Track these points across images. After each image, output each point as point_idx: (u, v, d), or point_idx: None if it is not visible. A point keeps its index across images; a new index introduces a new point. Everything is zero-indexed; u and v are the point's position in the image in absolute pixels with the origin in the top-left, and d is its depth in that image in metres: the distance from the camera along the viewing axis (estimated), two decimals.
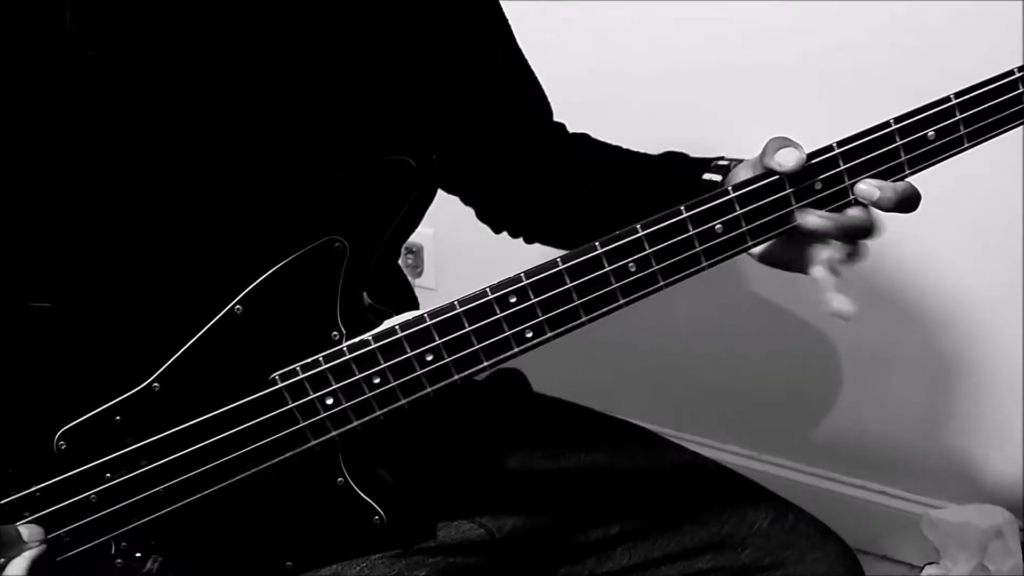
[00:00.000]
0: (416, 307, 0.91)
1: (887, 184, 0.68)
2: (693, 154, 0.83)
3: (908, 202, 0.69)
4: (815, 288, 0.72)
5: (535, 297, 0.69)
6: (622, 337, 1.59)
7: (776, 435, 1.70)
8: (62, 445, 0.72)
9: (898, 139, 0.65)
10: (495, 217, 0.98)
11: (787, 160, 0.66)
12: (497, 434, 0.95)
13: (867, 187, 0.68)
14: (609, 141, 0.95)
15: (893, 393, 1.57)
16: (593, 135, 0.95)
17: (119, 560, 0.75)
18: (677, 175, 0.82)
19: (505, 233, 0.99)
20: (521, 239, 0.99)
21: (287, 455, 0.73)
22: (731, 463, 1.31)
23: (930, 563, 1.55)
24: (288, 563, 0.77)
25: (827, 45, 1.35)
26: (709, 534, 0.90)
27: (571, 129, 0.96)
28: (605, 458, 0.95)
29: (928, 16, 1.28)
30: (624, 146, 0.93)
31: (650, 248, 0.68)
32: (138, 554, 0.76)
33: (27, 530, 0.72)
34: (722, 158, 0.80)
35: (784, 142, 0.68)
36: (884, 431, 1.61)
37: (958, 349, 1.49)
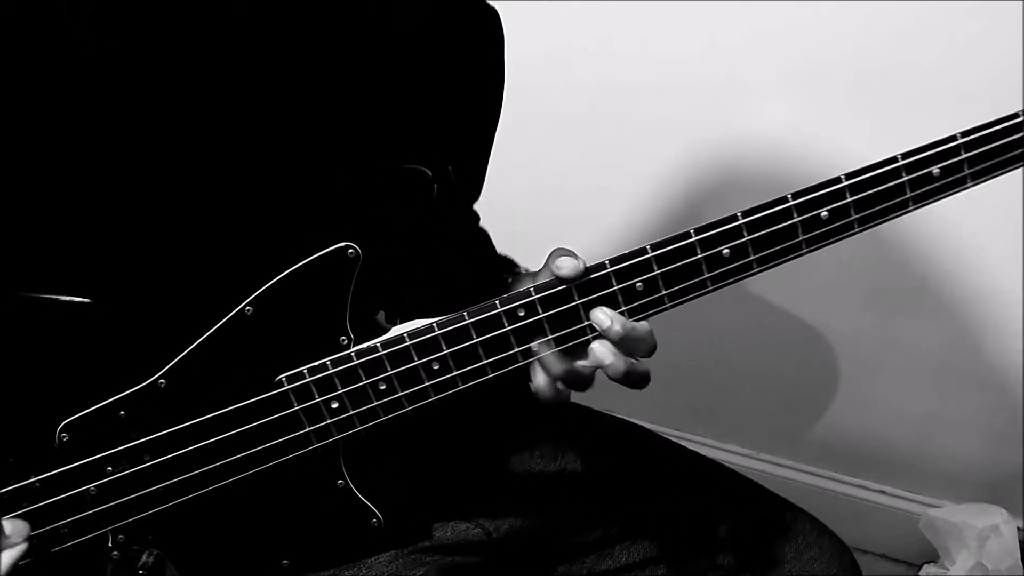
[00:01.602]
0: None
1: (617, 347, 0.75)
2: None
3: (633, 378, 0.79)
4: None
5: (543, 312, 0.75)
6: None
7: (776, 434, 1.78)
8: (64, 437, 0.76)
9: (904, 175, 0.71)
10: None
11: (564, 265, 0.74)
12: (495, 434, 1.00)
13: (602, 316, 0.75)
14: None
15: (892, 392, 1.65)
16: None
17: (115, 552, 0.80)
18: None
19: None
20: None
21: (290, 457, 0.79)
22: (731, 463, 1.38)
23: (928, 562, 1.65)
24: (284, 561, 0.83)
25: (846, 52, 1.42)
26: (708, 532, 0.97)
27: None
28: (604, 457, 1.01)
29: (940, 22, 1.34)
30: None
31: (659, 269, 0.74)
32: (135, 547, 0.81)
33: (10, 525, 0.75)
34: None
35: (564, 251, 0.75)
36: (883, 430, 1.69)
37: (957, 348, 1.56)
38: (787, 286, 1.63)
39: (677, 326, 1.69)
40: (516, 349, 0.77)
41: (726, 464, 1.05)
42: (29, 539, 0.76)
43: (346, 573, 0.86)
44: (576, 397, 1.06)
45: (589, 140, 1.60)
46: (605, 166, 1.61)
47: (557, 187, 1.63)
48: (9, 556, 0.74)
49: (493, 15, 0.94)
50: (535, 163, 1.53)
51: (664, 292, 0.75)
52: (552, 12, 1.50)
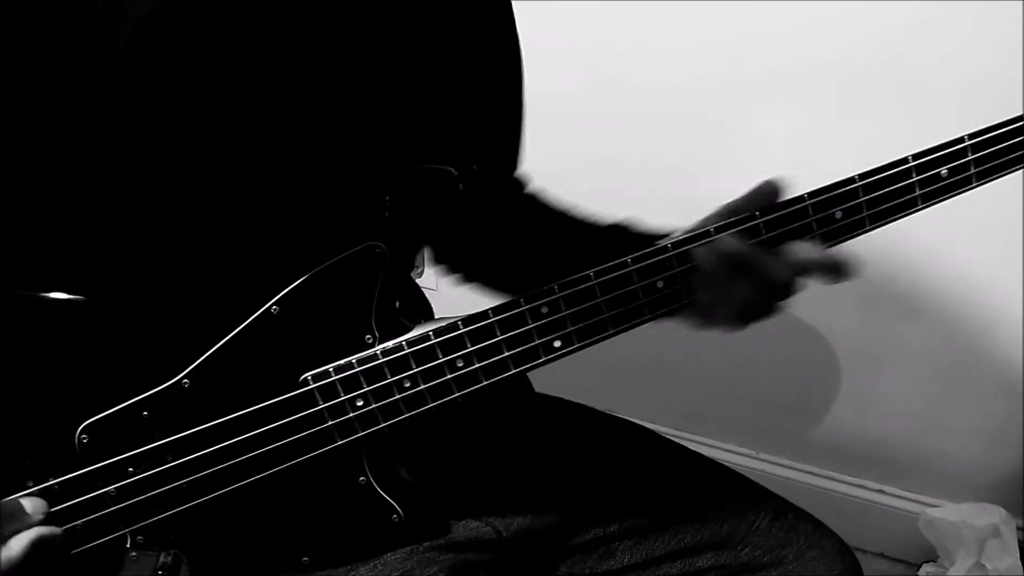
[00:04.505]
0: (430, 312, 1.03)
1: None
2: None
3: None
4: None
5: (566, 309, 0.82)
6: (623, 337, 1.73)
7: (775, 434, 1.85)
8: (84, 439, 0.81)
9: (915, 175, 0.79)
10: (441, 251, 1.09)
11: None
12: (500, 434, 1.05)
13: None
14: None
15: (892, 392, 1.71)
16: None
17: (134, 553, 0.85)
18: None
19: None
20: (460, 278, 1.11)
21: (313, 454, 0.84)
22: (731, 462, 1.42)
23: (927, 561, 1.73)
24: (305, 559, 0.88)
25: (841, 55, 1.47)
26: (709, 532, 1.02)
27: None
28: (606, 457, 1.06)
29: (938, 22, 1.40)
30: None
31: (679, 267, 0.81)
32: (154, 547, 0.85)
33: (30, 503, 0.79)
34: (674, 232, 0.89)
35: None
36: (882, 430, 1.75)
37: (957, 347, 1.62)
38: None
39: (677, 326, 1.78)
40: (538, 343, 0.83)
41: (726, 464, 1.10)
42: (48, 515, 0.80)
43: (362, 570, 0.91)
44: (578, 398, 1.14)
45: (588, 140, 1.66)
46: (604, 166, 1.67)
47: (559, 189, 1.69)
48: (37, 532, 0.78)
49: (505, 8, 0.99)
50: (537, 164, 1.59)
51: (684, 286, 0.82)
52: (550, 12, 1.56)
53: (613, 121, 1.65)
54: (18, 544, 0.77)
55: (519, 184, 1.09)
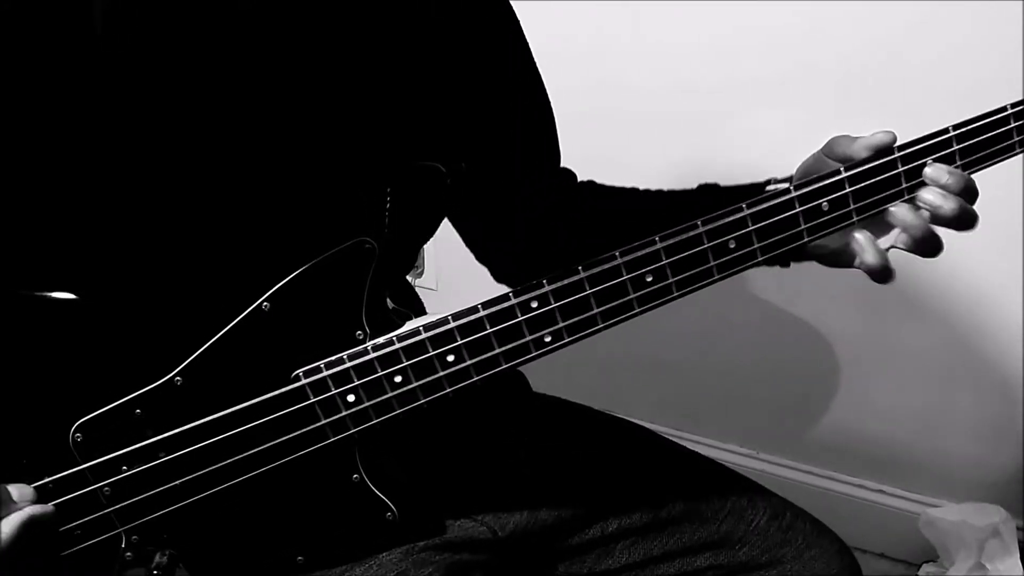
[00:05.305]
0: (421, 308, 1.03)
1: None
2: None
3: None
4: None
5: (555, 303, 0.82)
6: (622, 337, 1.72)
7: (775, 434, 1.86)
8: (78, 437, 0.81)
9: (900, 166, 0.80)
10: (478, 246, 1.09)
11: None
12: (497, 434, 1.06)
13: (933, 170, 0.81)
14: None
15: (891, 392, 1.72)
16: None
17: (129, 553, 0.86)
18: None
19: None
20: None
21: (306, 451, 0.85)
22: (730, 462, 1.43)
23: (927, 561, 1.73)
24: (299, 558, 0.89)
25: (840, 55, 1.48)
26: (708, 532, 1.02)
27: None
28: (604, 457, 1.07)
29: (938, 22, 1.41)
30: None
31: (667, 259, 0.81)
32: (148, 547, 0.86)
33: (16, 490, 0.80)
34: (771, 180, 0.90)
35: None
36: (882, 430, 1.76)
37: (957, 348, 1.63)
38: (787, 286, 1.70)
39: (677, 326, 1.80)
40: (528, 338, 0.83)
41: (726, 464, 1.11)
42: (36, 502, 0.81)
43: (357, 570, 0.91)
44: (577, 397, 1.14)
45: (585, 140, 1.66)
46: (601, 165, 1.67)
47: None
48: (19, 518, 0.79)
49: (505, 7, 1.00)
50: None
51: (672, 280, 0.83)
52: (547, 11, 1.56)
53: (610, 121, 1.66)
54: (8, 527, 0.78)
55: (569, 176, 1.08)
